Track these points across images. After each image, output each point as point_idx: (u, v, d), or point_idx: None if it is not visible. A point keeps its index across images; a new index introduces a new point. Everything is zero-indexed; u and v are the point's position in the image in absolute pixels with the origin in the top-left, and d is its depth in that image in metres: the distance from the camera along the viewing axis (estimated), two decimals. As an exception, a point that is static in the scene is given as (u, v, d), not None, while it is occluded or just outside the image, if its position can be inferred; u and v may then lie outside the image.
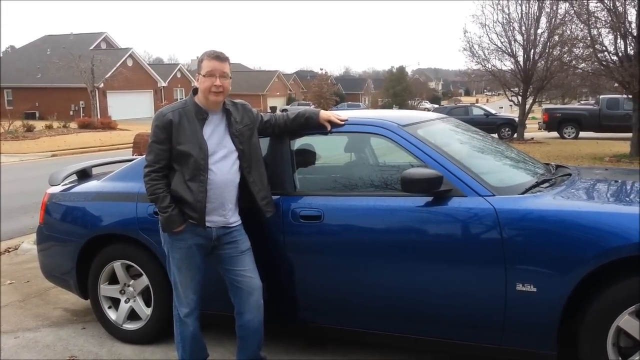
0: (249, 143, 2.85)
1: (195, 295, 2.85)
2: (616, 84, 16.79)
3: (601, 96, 21.22)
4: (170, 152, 2.72)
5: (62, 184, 3.91)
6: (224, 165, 2.76)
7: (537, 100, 20.83)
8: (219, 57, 2.73)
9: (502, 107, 38.66)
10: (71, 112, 36.48)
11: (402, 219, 2.75)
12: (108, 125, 28.41)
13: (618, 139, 17.86)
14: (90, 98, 32.05)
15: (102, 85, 34.99)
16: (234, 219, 2.85)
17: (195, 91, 2.81)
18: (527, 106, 20.66)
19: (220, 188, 2.75)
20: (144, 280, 3.44)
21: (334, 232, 2.90)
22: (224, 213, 2.79)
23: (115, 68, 36.75)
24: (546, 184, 2.94)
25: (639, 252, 2.33)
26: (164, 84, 44.60)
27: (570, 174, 3.17)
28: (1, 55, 42.69)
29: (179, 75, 48.80)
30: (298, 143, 3.25)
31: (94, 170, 4.18)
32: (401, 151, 2.89)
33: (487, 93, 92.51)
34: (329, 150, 3.80)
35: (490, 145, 3.49)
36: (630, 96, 13.18)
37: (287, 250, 2.99)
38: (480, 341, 2.68)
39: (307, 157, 3.33)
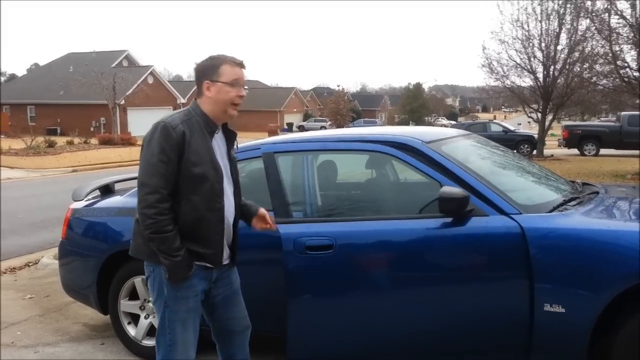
0: (238, 173, 2.49)
1: (194, 352, 2.38)
2: (638, 101, 16.61)
3: (622, 113, 20.95)
4: (177, 176, 2.20)
5: (85, 199, 3.94)
6: (229, 193, 2.36)
7: (556, 117, 20.60)
8: (243, 64, 2.34)
9: (520, 124, 38.39)
10: (92, 128, 37.04)
11: (429, 243, 2.58)
12: (128, 141, 28.77)
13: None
14: (112, 114, 32.55)
15: (122, 101, 35.55)
16: (229, 254, 2.43)
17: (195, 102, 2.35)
18: (547, 123, 20.47)
19: (226, 219, 2.32)
20: (164, 296, 3.42)
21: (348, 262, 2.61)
22: (225, 250, 2.38)
23: (136, 85, 37.35)
24: (574, 202, 2.87)
25: None
26: (183, 101, 45.11)
27: (597, 192, 3.10)
28: (25, 72, 43.46)
29: (197, 92, 49.34)
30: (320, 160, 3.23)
31: (117, 186, 4.21)
32: (416, 168, 2.83)
33: (505, 110, 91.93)
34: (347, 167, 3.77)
35: (515, 162, 3.43)
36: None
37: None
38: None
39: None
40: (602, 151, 20.59)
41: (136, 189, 3.74)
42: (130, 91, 36.11)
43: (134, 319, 3.61)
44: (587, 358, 2.44)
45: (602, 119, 34.24)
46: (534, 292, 2.46)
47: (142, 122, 39.55)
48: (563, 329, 2.43)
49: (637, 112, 20.00)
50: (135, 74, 38.86)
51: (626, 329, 2.36)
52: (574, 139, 21.26)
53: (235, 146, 2.49)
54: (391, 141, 2.94)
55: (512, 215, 2.56)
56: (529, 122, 39.14)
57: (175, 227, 2.18)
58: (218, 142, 2.36)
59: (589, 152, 20.74)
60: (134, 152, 23.73)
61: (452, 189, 2.48)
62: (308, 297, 2.58)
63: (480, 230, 2.53)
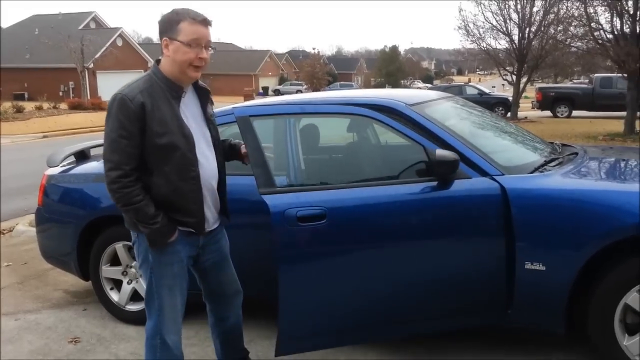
0: (218, 131, 2.40)
1: (182, 317, 2.38)
2: (610, 63, 16.83)
3: (595, 75, 21.21)
4: (142, 148, 2.12)
5: (60, 165, 3.84)
6: (209, 156, 2.29)
7: (530, 79, 20.77)
8: (206, 20, 2.16)
9: (494, 87, 38.65)
10: (61, 93, 36.00)
11: (420, 208, 2.54)
12: (99, 105, 28.06)
13: (611, 118, 17.90)
14: (80, 78, 31.59)
15: (91, 65, 34.48)
16: (217, 219, 2.40)
17: (158, 62, 2.22)
18: (521, 85, 20.63)
19: (206, 186, 2.27)
20: (147, 262, 3.40)
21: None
22: (211, 215, 2.34)
23: (105, 48, 36.23)
24: (554, 163, 2.92)
25: None
26: (154, 64, 44.08)
27: (577, 153, 3.16)
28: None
29: (169, 55, 48.07)
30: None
31: (92, 152, 4.12)
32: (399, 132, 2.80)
33: (480, 72, 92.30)
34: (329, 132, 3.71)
35: (495, 123, 3.46)
36: (625, 75, 13.17)
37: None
38: (488, 317, 2.68)
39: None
40: (575, 113, 20.90)
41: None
42: (99, 54, 35.06)
43: (117, 284, 3.59)
44: (565, 314, 2.52)
45: (575, 81, 34.63)
46: (515, 251, 2.52)
47: (112, 86, 38.20)
48: (543, 286, 2.50)
49: (610, 74, 20.29)
50: (103, 37, 37.61)
51: (602, 286, 2.44)
52: (547, 101, 21.48)
53: (210, 103, 2.38)
54: (374, 104, 2.89)
55: (494, 177, 2.59)
56: (502, 84, 39.37)
57: (145, 195, 2.13)
58: (189, 105, 2.25)
59: (562, 114, 21.04)
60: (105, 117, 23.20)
61: (445, 152, 2.46)
62: (301, 270, 2.47)
63: (466, 192, 2.55)
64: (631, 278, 2.39)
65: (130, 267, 3.52)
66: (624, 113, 13.82)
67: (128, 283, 3.53)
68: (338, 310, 2.55)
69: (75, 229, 3.55)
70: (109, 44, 37.42)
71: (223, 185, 2.39)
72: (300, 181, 2.87)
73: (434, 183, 2.55)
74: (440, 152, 2.44)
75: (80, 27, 39.05)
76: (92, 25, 41.86)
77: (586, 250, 2.40)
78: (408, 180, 2.62)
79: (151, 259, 2.26)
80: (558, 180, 2.62)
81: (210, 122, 2.33)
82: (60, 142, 14.73)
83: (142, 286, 3.48)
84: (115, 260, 3.56)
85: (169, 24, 2.14)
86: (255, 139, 2.45)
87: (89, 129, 18.98)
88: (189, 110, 2.24)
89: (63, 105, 27.88)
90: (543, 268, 2.48)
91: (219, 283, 2.49)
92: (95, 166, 3.70)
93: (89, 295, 4.02)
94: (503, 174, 2.61)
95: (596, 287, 2.46)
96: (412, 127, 2.73)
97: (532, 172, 2.70)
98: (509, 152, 2.98)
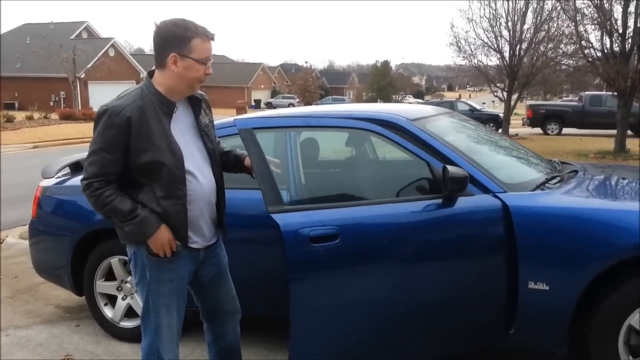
0: (214, 143, 2.33)
1: (179, 337, 2.32)
2: (597, 81, 17.07)
3: (584, 93, 21.48)
4: (125, 163, 2.07)
5: (55, 176, 3.79)
6: (204, 169, 2.23)
7: (521, 96, 20.98)
8: (213, 37, 2.13)
9: (484, 103, 38.96)
10: (51, 103, 35.77)
11: (430, 226, 2.51)
12: (90, 116, 27.85)
13: (601, 136, 18.11)
14: (72, 88, 31.47)
15: (83, 75, 34.35)
16: (215, 233, 2.36)
17: (151, 74, 2.16)
18: (512, 102, 20.81)
19: (204, 199, 2.21)
20: (143, 277, 3.35)
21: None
22: (209, 229, 2.29)
23: (97, 58, 36.14)
24: (554, 181, 2.92)
25: None
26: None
27: (576, 171, 3.16)
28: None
29: (161, 66, 48.05)
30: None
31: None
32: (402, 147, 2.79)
33: (470, 89, 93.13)
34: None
35: (495, 140, 3.46)
36: (615, 93, 13.34)
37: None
38: (490, 338, 2.66)
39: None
40: (565, 130, 21.11)
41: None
42: (91, 64, 34.94)
43: (111, 300, 3.53)
44: (567, 335, 2.50)
45: (565, 99, 35.04)
46: (518, 270, 2.50)
47: (104, 96, 37.74)
48: (546, 306, 2.48)
49: (599, 92, 20.56)
50: (95, 47, 37.56)
51: (606, 306, 2.43)
52: (538, 118, 21.67)
53: (204, 112, 2.29)
54: (376, 118, 2.89)
55: (497, 194, 2.58)
56: (492, 101, 39.72)
57: (119, 193, 2.08)
58: (181, 118, 2.19)
59: (552, 132, 21.23)
60: (97, 128, 23.07)
61: (457, 169, 2.43)
62: (315, 292, 2.41)
63: (469, 209, 2.54)
64: (635, 299, 2.38)
65: (126, 282, 3.46)
66: (613, 131, 13.99)
67: (123, 299, 3.47)
68: (351, 332, 2.49)
69: (70, 242, 3.49)
70: (101, 54, 37.36)
71: (222, 198, 2.34)
72: (303, 197, 2.83)
73: (439, 200, 2.53)
74: (452, 169, 2.41)
75: (72, 36, 38.98)
76: (84, 35, 41.81)
77: (590, 269, 2.39)
78: (414, 198, 2.60)
79: (149, 276, 2.20)
80: (561, 198, 2.62)
81: (204, 133, 2.26)
82: (51, 153, 14.59)
83: (137, 302, 3.41)
84: (110, 275, 3.50)
85: (179, 40, 2.07)
86: (260, 152, 2.39)
87: (80, 140, 18.81)
88: (182, 124, 2.19)
89: (54, 115, 27.69)
90: (546, 288, 2.47)
91: (217, 299, 2.43)
92: (91, 179, 3.65)
93: (82, 310, 3.95)
94: (505, 191, 2.60)
95: (599, 308, 2.44)
96: (413, 142, 2.72)
97: (534, 190, 2.70)
98: (510, 169, 2.98)
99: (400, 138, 2.77)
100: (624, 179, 3.15)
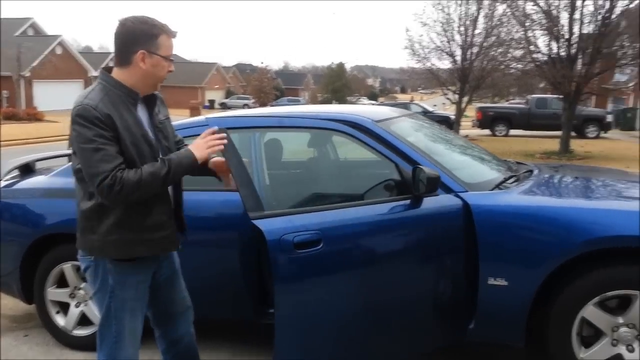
0: (171, 140, 2.27)
1: (139, 344, 2.26)
2: (543, 84, 17.74)
3: (531, 96, 22.32)
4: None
5: (3, 179, 3.61)
6: None
7: (472, 99, 21.58)
8: (175, 36, 2.11)
9: (435, 105, 39.84)
10: (-7, 102, 34.15)
11: (400, 226, 2.54)
12: (34, 116, 26.84)
13: (546, 137, 18.86)
14: (16, 87, 30.14)
15: (28, 73, 32.94)
16: None
17: (109, 70, 2.10)
18: (463, 105, 21.36)
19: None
20: (98, 283, 3.22)
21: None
22: None
23: (43, 55, 34.71)
24: (511, 180, 3.00)
25: (602, 247, 2.43)
26: (95, 74, 42.39)
27: (531, 171, 3.27)
28: None
29: (111, 64, 46.49)
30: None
31: (38, 165, 3.90)
32: (369, 149, 2.81)
33: (422, 91, 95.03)
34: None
35: (454, 141, 3.54)
36: (561, 96, 13.91)
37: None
38: (452, 334, 2.70)
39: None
40: (512, 132, 21.85)
41: (63, 167, 3.53)
42: (37, 62, 33.52)
43: (63, 307, 3.38)
44: (525, 328, 2.57)
45: (512, 101, 36.25)
46: (479, 266, 2.56)
47: (50, 96, 37.04)
48: (505, 302, 2.55)
49: (545, 96, 21.41)
50: (42, 44, 36.04)
51: (561, 300, 2.52)
52: (487, 120, 22.38)
53: (158, 108, 2.21)
54: (342, 119, 2.90)
55: (458, 193, 2.64)
56: (443, 103, 40.64)
57: (131, 170, 1.96)
58: (141, 112, 2.13)
59: (500, 133, 21.94)
60: (42, 129, 22.16)
61: (430, 170, 2.46)
62: (300, 297, 2.38)
63: (435, 209, 2.58)
64: (588, 292, 2.48)
65: (79, 289, 3.32)
66: (558, 132, 14.60)
67: (76, 306, 3.33)
68: (335, 337, 2.48)
69: (19, 247, 3.32)
70: (47, 51, 35.90)
71: (179, 198, 2.29)
72: (270, 199, 2.80)
73: (408, 201, 2.56)
74: (427, 170, 2.44)
75: (17, 33, 37.27)
76: (30, 32, 40.11)
77: (547, 265, 2.47)
78: (386, 199, 2.62)
79: (112, 281, 2.12)
80: (519, 197, 2.69)
81: (158, 129, 2.18)
82: (-6, 154, 13.92)
83: (91, 310, 3.29)
84: (62, 282, 3.35)
85: (146, 36, 2.03)
86: (238, 154, 2.33)
87: (24, 141, 18.06)
88: (143, 117, 2.13)
89: (-4, 115, 26.46)
90: (506, 283, 2.54)
91: (171, 300, 2.36)
92: (43, 180, 3.50)
93: (30, 319, 3.77)
94: (466, 191, 2.66)
95: (555, 301, 2.53)
96: (380, 143, 2.74)
97: (493, 189, 2.77)
98: (470, 169, 3.04)
99: (370, 139, 2.79)
100: (576, 178, 3.28)
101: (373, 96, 72.20)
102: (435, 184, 2.43)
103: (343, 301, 2.45)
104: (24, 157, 3.84)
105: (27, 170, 3.76)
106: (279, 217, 2.40)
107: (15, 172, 3.72)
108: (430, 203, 2.56)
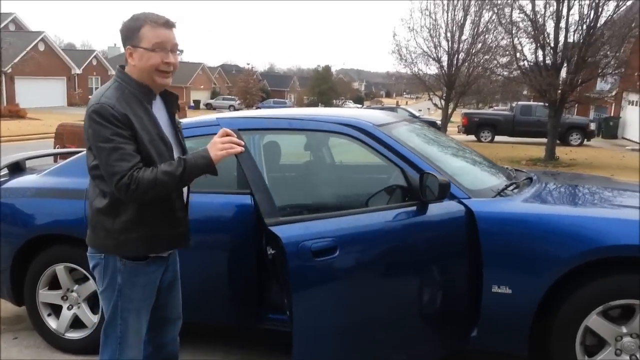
0: (184, 141, 2.25)
1: (143, 347, 2.25)
2: (526, 92, 17.97)
3: (516, 103, 22.58)
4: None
5: (-7, 178, 3.51)
6: None
7: (458, 104, 21.76)
8: (169, 22, 2.03)
9: (421, 110, 40.09)
10: (-28, 98, 33.47)
11: (410, 232, 2.51)
12: (16, 113, 26.36)
13: (530, 144, 19.07)
14: (-3, 83, 29.57)
15: (10, 70, 32.34)
16: None
17: (123, 68, 2.09)
18: (449, 110, 21.52)
19: (180, 199, 2.17)
20: (91, 285, 3.15)
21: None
22: None
23: (25, 52, 34.09)
24: (512, 187, 3.01)
25: (606, 255, 2.44)
26: (78, 71, 42.05)
27: (531, 178, 3.28)
28: None
29: (94, 62, 46.20)
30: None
31: (28, 164, 3.81)
32: (374, 152, 2.80)
33: (407, 96, 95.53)
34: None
35: (453, 146, 3.53)
36: (546, 104, 14.08)
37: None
38: (455, 341, 2.69)
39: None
40: (497, 138, 22.07)
41: (55, 166, 3.46)
42: (19, 58, 32.88)
43: (55, 310, 3.30)
44: (528, 336, 2.57)
45: (495, 108, 36.65)
46: (482, 273, 2.55)
47: (32, 92, 36.52)
48: (509, 310, 2.55)
49: (529, 103, 21.68)
50: (24, 40, 35.43)
51: (565, 308, 2.52)
52: (472, 126, 22.55)
53: (177, 110, 2.24)
54: (344, 123, 2.89)
55: (462, 200, 2.63)
56: (428, 108, 40.88)
57: (147, 169, 1.93)
58: (158, 111, 2.12)
59: (485, 139, 22.14)
60: (24, 126, 21.75)
61: (441, 177, 2.44)
62: (318, 304, 2.36)
63: (440, 215, 2.57)
64: (592, 301, 2.49)
65: (72, 291, 3.24)
66: (542, 139, 14.76)
67: (68, 309, 3.25)
68: (353, 344, 2.47)
69: (10, 248, 3.24)
70: (30, 48, 35.27)
71: (186, 200, 2.25)
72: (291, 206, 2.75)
73: (414, 207, 2.54)
74: (439, 177, 2.41)
75: (-2, 29, 36.66)
76: (12, 28, 39.39)
77: (551, 274, 2.47)
78: (394, 206, 2.59)
79: (120, 280, 2.09)
80: (523, 205, 2.69)
81: (177, 129, 2.20)
82: (-26, 151, 13.62)
83: (84, 312, 3.22)
84: (54, 284, 3.27)
85: (130, 32, 2.01)
86: (251, 157, 2.27)
87: (7, 138, 17.69)
88: (160, 116, 2.11)
89: (-24, 112, 25.93)
90: (509, 291, 2.53)
91: (166, 306, 2.33)
92: (34, 180, 3.41)
93: (19, 321, 3.68)
94: (469, 197, 2.65)
95: (559, 310, 2.53)
96: (384, 147, 2.73)
97: (495, 196, 2.77)
98: (470, 175, 3.03)
99: (376, 143, 2.78)
100: (575, 186, 3.30)
101: (359, 100, 72.40)
102: (446, 191, 2.41)
103: (357, 307, 2.44)
104: (14, 155, 3.76)
105: (16, 168, 3.67)
106: (295, 223, 2.36)
107: (5, 171, 3.63)
108: (435, 209, 2.55)
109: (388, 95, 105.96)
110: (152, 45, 1.99)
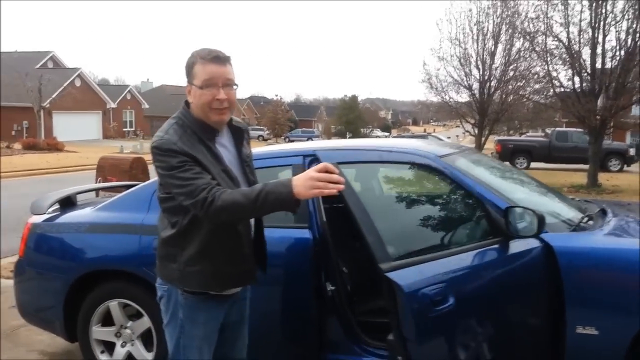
0: (255, 175, 2.18)
1: None
2: (557, 118, 17.55)
3: (552, 129, 22.23)
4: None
5: (47, 212, 3.50)
6: None
7: (492, 131, 21.47)
8: (219, 57, 1.97)
9: (449, 137, 39.80)
10: (13, 132, 34.59)
11: (504, 270, 2.43)
12: (54, 146, 27.13)
13: (568, 170, 18.61)
14: (37, 118, 30.62)
15: (48, 105, 33.48)
16: None
17: (188, 104, 2.06)
18: (483, 138, 21.23)
19: (248, 236, 2.12)
20: (145, 322, 3.08)
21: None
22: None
23: (62, 87, 35.33)
24: (587, 220, 2.83)
25: None
26: (113, 105, 43.25)
27: (604, 210, 3.08)
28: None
29: (128, 97, 47.53)
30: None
31: (79, 198, 3.80)
32: (441, 183, 2.70)
33: (434, 123, 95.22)
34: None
35: (518, 177, 3.38)
36: (586, 130, 13.75)
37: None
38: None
39: None
40: (532, 164, 21.64)
41: (107, 201, 3.43)
42: (57, 94, 34.08)
43: (108, 347, 3.22)
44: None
45: (528, 135, 36.11)
46: (565, 313, 2.38)
47: (68, 126, 37.68)
48: (596, 352, 2.36)
49: (565, 129, 21.29)
50: (61, 76, 36.78)
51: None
52: (507, 152, 22.21)
53: (246, 142, 2.19)
54: (406, 152, 2.80)
55: (539, 235, 2.47)
56: (457, 135, 40.50)
57: (226, 189, 1.88)
58: (225, 146, 2.08)
59: (520, 165, 21.72)
60: (62, 159, 22.33)
61: (536, 210, 2.33)
62: (433, 354, 2.27)
63: (521, 251, 2.42)
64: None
65: (125, 327, 3.16)
66: (579, 165, 14.36)
67: (122, 346, 3.17)
68: None
69: (63, 283, 3.20)
70: (67, 83, 36.58)
71: (261, 234, 2.20)
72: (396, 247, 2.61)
73: (498, 244, 2.41)
74: (537, 211, 2.28)
75: (38, 66, 38.11)
76: (50, 65, 41.00)
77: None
78: (485, 244, 2.45)
79: (182, 315, 2.06)
80: (605, 239, 2.52)
81: (246, 164, 2.15)
82: (16, 184, 13.97)
83: (137, 349, 3.13)
84: (107, 320, 3.20)
85: (187, 69, 2.02)
86: (357, 195, 2.14)
87: (46, 171, 18.18)
88: (226, 152, 2.07)
89: (17, 145, 26.80)
90: (596, 332, 2.35)
91: (232, 347, 2.26)
92: (87, 214, 3.38)
93: (69, 357, 3.61)
94: (547, 232, 2.49)
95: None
96: (456, 180, 2.61)
97: (572, 230, 2.60)
98: (542, 208, 2.86)
99: (434, 173, 2.67)
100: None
101: (386, 128, 72.49)
102: (543, 225, 2.27)
103: (467, 351, 2.34)
104: (64, 190, 3.75)
105: (68, 203, 3.66)
106: (407, 267, 2.24)
107: (57, 206, 3.61)
108: (516, 245, 2.40)
109: (415, 122, 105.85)
110: (201, 82, 1.96)
